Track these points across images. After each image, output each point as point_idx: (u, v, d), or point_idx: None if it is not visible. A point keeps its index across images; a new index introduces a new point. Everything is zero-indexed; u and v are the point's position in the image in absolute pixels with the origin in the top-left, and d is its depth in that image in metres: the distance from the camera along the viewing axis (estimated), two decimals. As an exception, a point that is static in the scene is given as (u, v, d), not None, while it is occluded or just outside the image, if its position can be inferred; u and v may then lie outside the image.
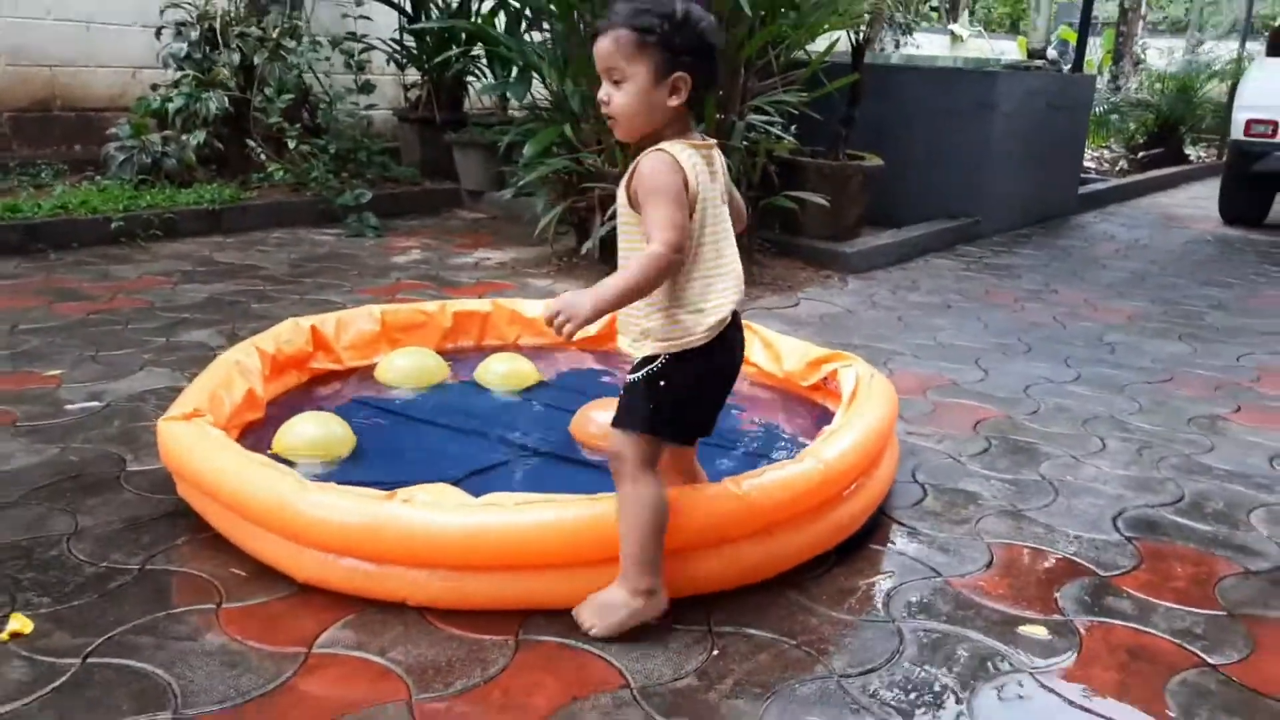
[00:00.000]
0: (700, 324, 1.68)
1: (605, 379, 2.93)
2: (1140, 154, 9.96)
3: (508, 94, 5.16)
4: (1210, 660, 1.70)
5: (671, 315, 1.68)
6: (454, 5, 6.55)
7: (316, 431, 2.22)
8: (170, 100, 5.10)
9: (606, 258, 4.48)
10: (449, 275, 4.38)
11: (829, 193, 4.78)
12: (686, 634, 1.71)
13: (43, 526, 1.97)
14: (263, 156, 5.33)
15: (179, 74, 5.23)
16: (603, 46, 1.64)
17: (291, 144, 5.33)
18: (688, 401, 1.73)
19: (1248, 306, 4.50)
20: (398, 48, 6.58)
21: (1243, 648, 1.75)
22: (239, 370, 2.34)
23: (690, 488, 1.85)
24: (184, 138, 5.17)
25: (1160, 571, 2.02)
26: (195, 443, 1.94)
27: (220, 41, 5.32)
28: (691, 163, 1.65)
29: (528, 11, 5.15)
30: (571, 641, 1.68)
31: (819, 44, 5.01)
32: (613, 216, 4.22)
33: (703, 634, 1.72)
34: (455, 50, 6.42)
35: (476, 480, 2.12)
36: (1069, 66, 7.42)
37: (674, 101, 1.64)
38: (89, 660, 1.56)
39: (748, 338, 2.87)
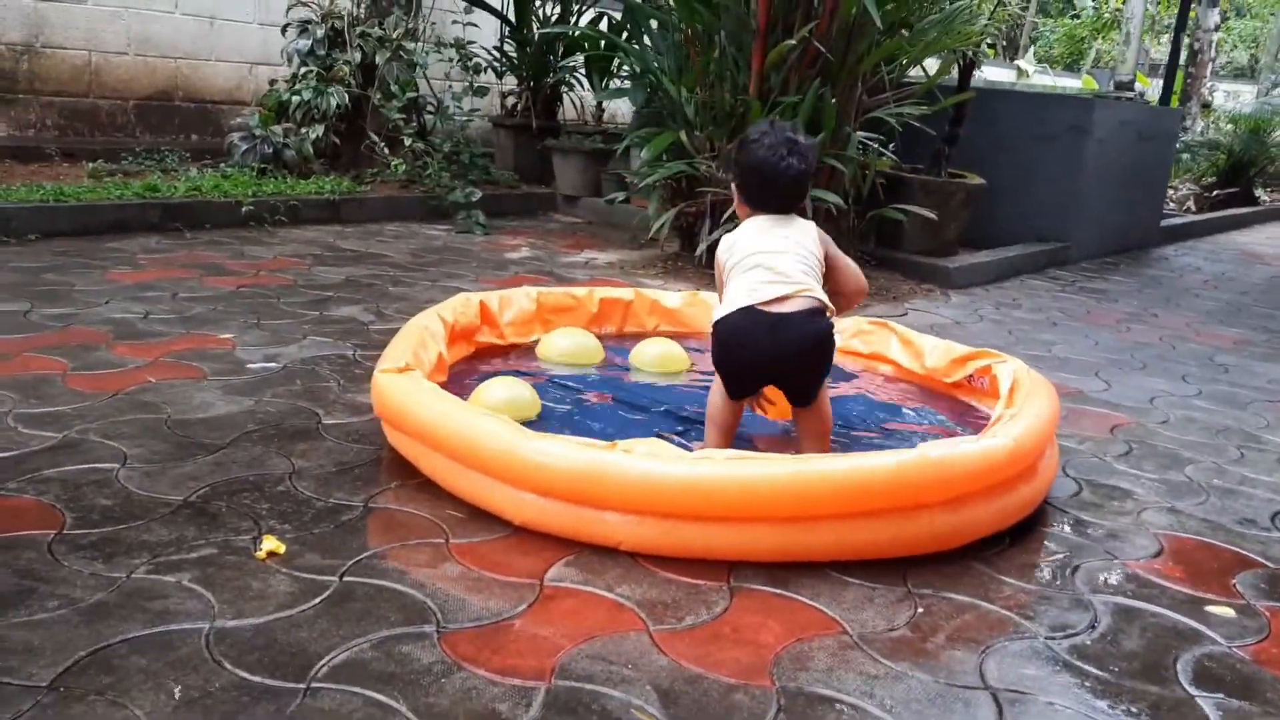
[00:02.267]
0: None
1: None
2: (1214, 192, 9.95)
3: (629, 99, 5.27)
4: (1396, 646, 1.76)
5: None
6: (553, 16, 6.76)
7: (509, 393, 2.34)
8: (296, 94, 5.30)
9: (713, 262, 4.58)
10: (562, 272, 4.52)
11: (932, 208, 4.87)
12: (889, 593, 1.80)
13: (263, 465, 2.10)
14: (385, 152, 5.51)
15: (302, 69, 5.42)
16: None
17: (408, 141, 5.50)
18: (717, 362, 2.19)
19: (1351, 339, 4.52)
20: (499, 56, 6.77)
21: None
22: (430, 334, 2.46)
23: (879, 454, 1.94)
24: (304, 130, 5.37)
25: (1328, 567, 2.08)
26: (415, 393, 2.06)
27: (343, 40, 5.51)
28: (730, 238, 2.25)
29: (630, 23, 5.33)
30: (783, 591, 1.77)
31: (927, 64, 5.12)
32: (725, 221, 4.37)
33: (904, 594, 1.80)
34: (556, 59, 6.63)
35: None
36: (1158, 99, 7.45)
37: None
38: (345, 579, 1.67)
39: (885, 336, 2.98)
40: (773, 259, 2.13)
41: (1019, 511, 2.08)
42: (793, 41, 4.16)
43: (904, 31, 4.66)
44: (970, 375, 2.77)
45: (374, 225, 5.16)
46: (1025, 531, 2.11)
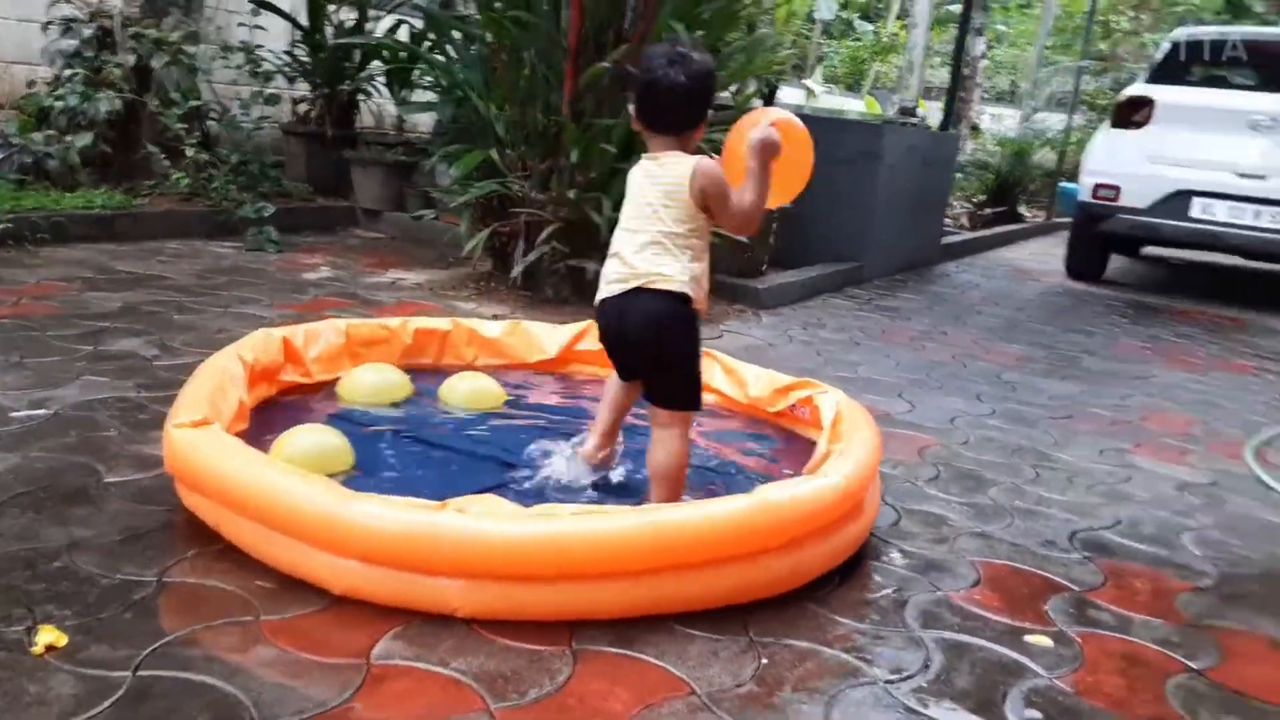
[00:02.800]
0: None
1: (566, 399, 2.95)
2: (984, 211, 10.72)
3: (438, 114, 5.07)
4: (1194, 665, 1.89)
5: None
6: (348, 21, 6.46)
7: (317, 443, 2.16)
8: (60, 99, 4.79)
9: (528, 284, 4.50)
10: (367, 294, 4.29)
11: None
12: (733, 644, 1.77)
13: (36, 537, 1.84)
14: (165, 163, 5.07)
15: (68, 72, 4.91)
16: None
17: (190, 152, 5.09)
18: None
19: (1113, 353, 4.95)
20: (290, 61, 6.40)
21: (1215, 654, 1.95)
22: (228, 378, 2.24)
23: (724, 499, 1.91)
24: (68, 138, 4.87)
25: (1125, 587, 2.22)
26: (216, 451, 1.85)
27: (114, 42, 5.04)
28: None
29: (431, 33, 5.15)
30: (628, 651, 1.70)
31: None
32: (542, 242, 4.28)
33: (747, 644, 1.78)
34: (352, 66, 6.34)
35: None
36: (939, 124, 7.95)
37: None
38: (140, 673, 1.48)
39: (709, 364, 2.98)
40: (627, 240, 2.08)
41: (849, 548, 2.10)
42: (606, 64, 4.12)
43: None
44: (793, 405, 2.81)
45: (153, 243, 4.73)
46: (854, 566, 2.14)
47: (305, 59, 6.39)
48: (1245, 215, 6.59)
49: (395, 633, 1.68)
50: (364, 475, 2.19)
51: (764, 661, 1.73)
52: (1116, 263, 8.48)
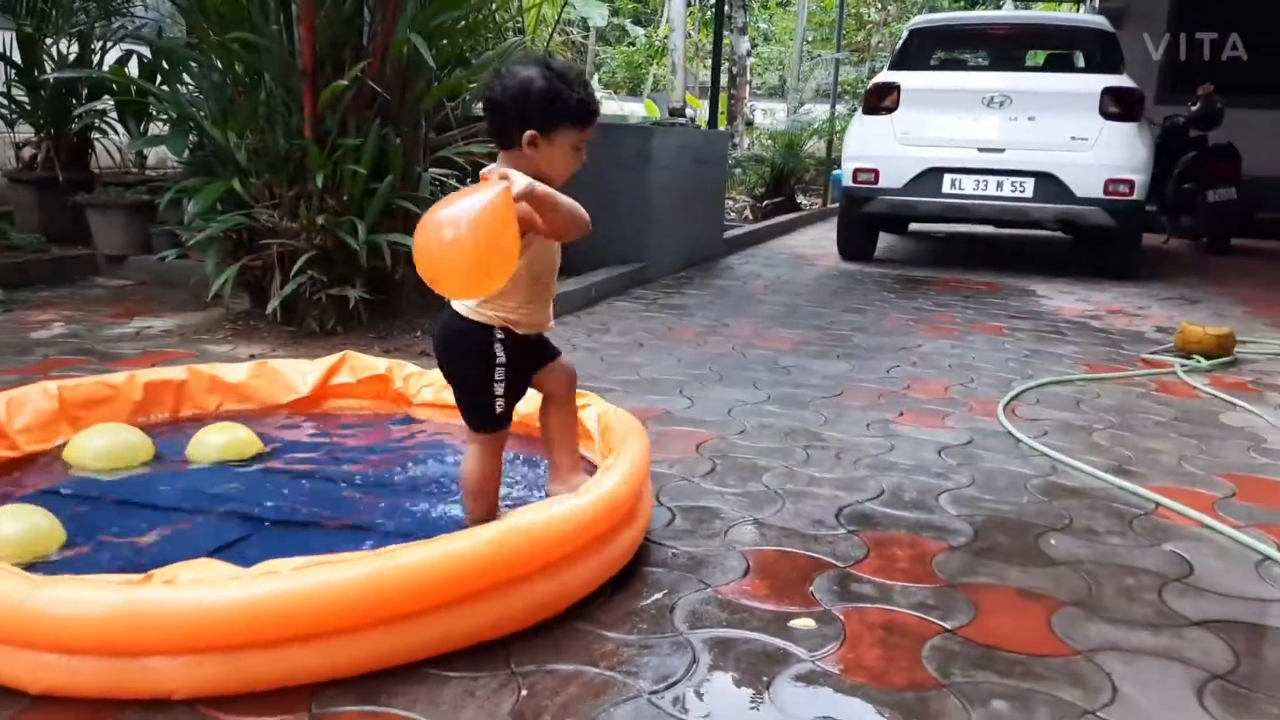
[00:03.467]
0: None
1: (327, 439, 2.78)
2: (765, 203, 11.10)
3: (168, 147, 4.72)
4: (948, 626, 1.94)
5: None
6: (70, 55, 5.97)
7: (17, 527, 1.91)
8: None
9: (289, 318, 4.26)
10: (107, 348, 3.94)
11: (513, 243, 4.87)
12: (491, 680, 1.68)
13: None
14: None
15: None
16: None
17: (-114, 208, 4.54)
18: None
19: (882, 328, 5.17)
20: (7, 103, 5.85)
21: (968, 611, 2.01)
22: (-101, 465, 1.96)
23: (477, 529, 1.82)
24: None
25: (886, 556, 2.27)
26: None
27: None
28: None
29: (164, 63, 4.82)
30: (375, 708, 1.58)
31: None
32: (298, 274, 4.05)
33: (507, 677, 1.69)
34: (80, 105, 5.86)
35: (222, 558, 1.93)
36: (706, 124, 8.15)
37: None
38: None
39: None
40: None
41: (621, 559, 2.05)
42: (344, 82, 3.94)
43: (461, 69, 4.63)
44: (559, 417, 2.73)
45: None
46: (627, 574, 2.09)
47: (24, 99, 5.86)
48: (989, 186, 7.07)
49: (103, 730, 1.49)
50: (83, 555, 1.97)
51: (524, 693, 1.64)
52: (886, 241, 8.95)
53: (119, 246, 5.55)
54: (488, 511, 2.10)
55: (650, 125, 6.93)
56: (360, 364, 3.01)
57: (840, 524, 2.45)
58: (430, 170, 4.46)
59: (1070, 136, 6.90)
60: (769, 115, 16.23)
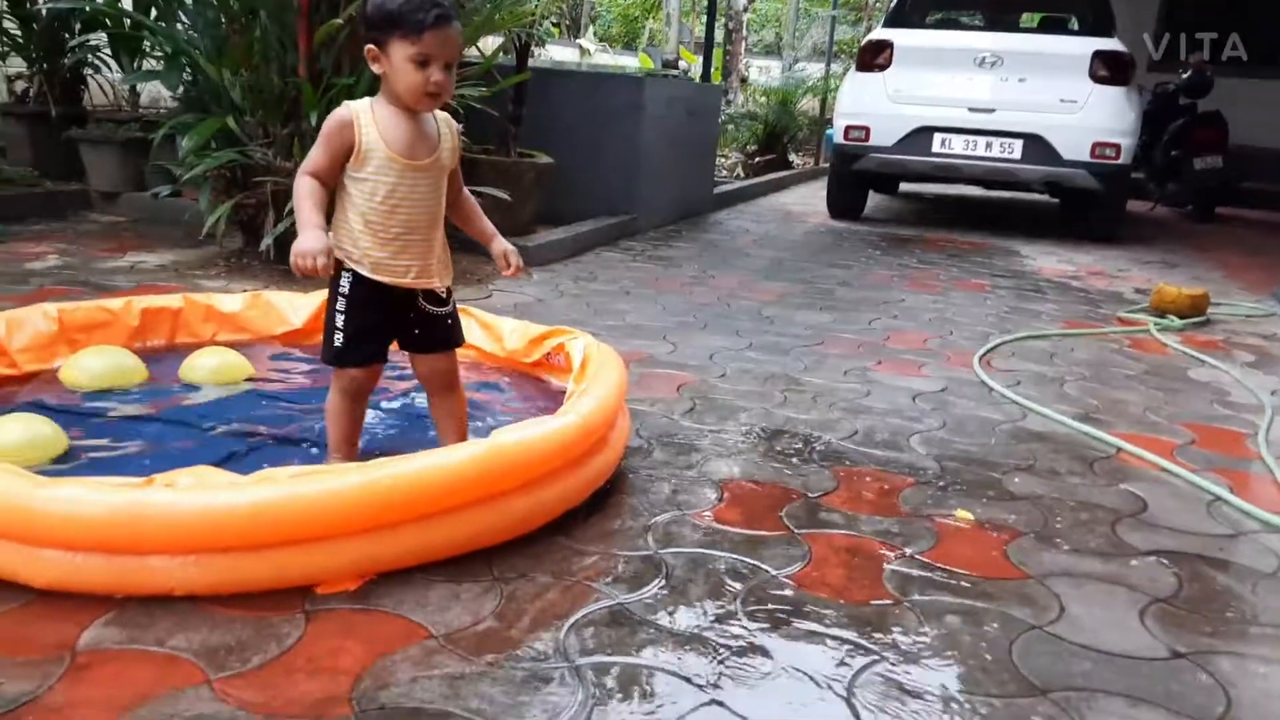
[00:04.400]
0: None
1: (316, 368, 2.86)
2: (756, 160, 11.11)
3: (162, 83, 4.73)
4: (909, 551, 2.05)
5: None
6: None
7: (20, 432, 1.99)
8: None
9: (281, 256, 4.30)
10: (101, 280, 3.99)
11: (504, 189, 4.92)
12: (475, 585, 1.77)
13: None
14: None
15: None
16: (457, 34, 1.91)
17: (-121, 137, 4.56)
18: None
19: (866, 282, 5.25)
20: (-2, 35, 5.83)
21: (930, 539, 2.11)
22: (-95, 375, 2.04)
23: (463, 444, 1.91)
24: None
25: (854, 489, 2.37)
26: (-117, 451, 1.68)
27: None
28: None
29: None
30: (364, 606, 1.68)
31: (485, 46, 5.14)
32: (289, 213, 4.10)
33: (490, 583, 1.79)
34: (73, 39, 5.84)
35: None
36: (699, 77, 8.14)
37: None
38: None
39: (466, 322, 2.97)
40: None
41: (595, 482, 2.14)
42: (339, 20, 3.97)
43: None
44: (548, 354, 2.83)
45: None
46: (604, 499, 2.19)
47: (15, 30, 5.83)
48: (978, 147, 7.12)
49: (106, 620, 1.58)
50: (82, 464, 2.05)
51: (504, 598, 1.74)
52: (876, 201, 9.01)
53: (112, 183, 5.57)
54: (338, 445, 2.09)
55: (642, 75, 6.94)
56: (351, 298, 3.07)
57: (813, 460, 2.55)
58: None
59: (1059, 99, 6.95)
60: (764, 73, 16.14)
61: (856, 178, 7.74)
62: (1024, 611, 1.82)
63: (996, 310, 4.70)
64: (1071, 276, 5.88)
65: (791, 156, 12.52)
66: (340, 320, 2.02)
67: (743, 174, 10.94)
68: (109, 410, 2.36)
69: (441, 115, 2.05)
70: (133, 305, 2.81)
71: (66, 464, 2.03)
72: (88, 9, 5.39)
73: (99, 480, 1.65)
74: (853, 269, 5.67)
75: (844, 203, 8.02)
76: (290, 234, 4.20)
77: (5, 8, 5.80)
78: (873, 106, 7.31)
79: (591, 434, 2.07)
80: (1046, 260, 6.47)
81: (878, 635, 1.71)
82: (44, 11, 5.63)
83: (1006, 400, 3.18)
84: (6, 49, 5.89)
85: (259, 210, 4.33)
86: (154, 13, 5.18)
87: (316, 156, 1.94)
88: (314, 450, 2.23)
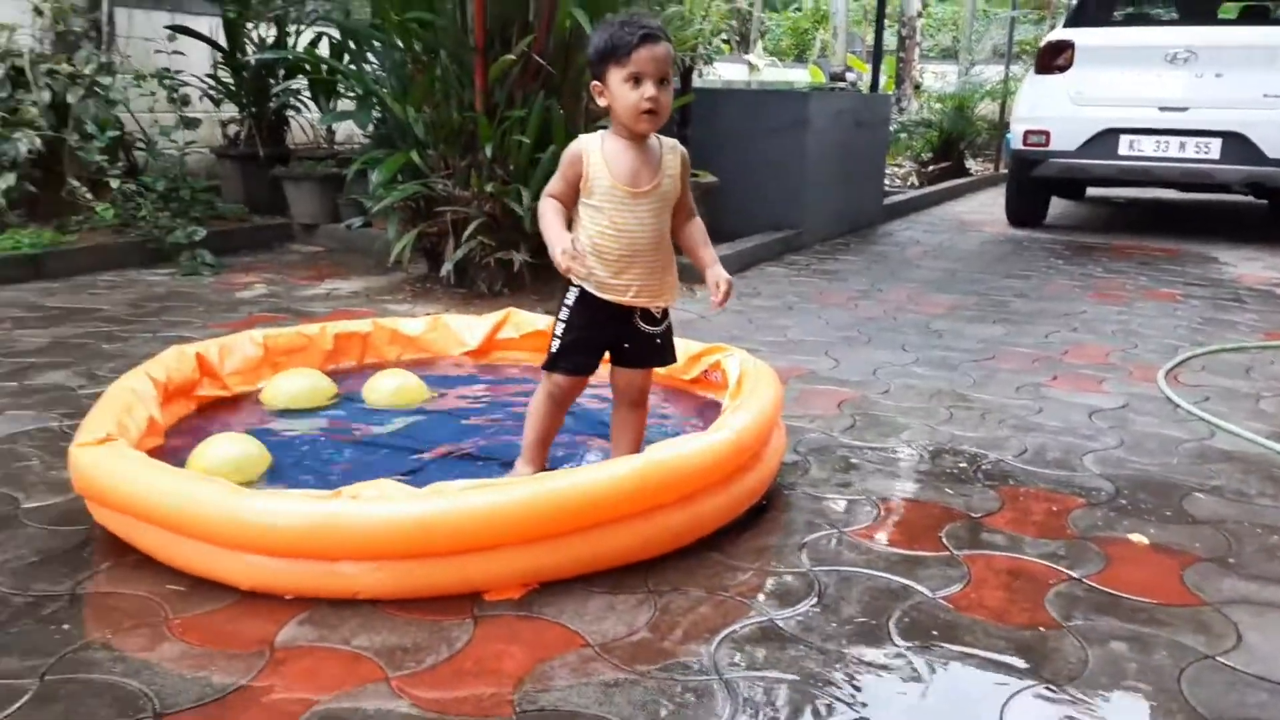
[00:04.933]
0: None
1: (490, 387, 3.02)
2: (930, 168, 10.84)
3: (354, 122, 5.11)
4: (1075, 574, 1.99)
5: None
6: (269, 40, 6.48)
7: (231, 452, 2.21)
8: (-22, 141, 4.80)
9: (460, 280, 4.56)
10: (301, 306, 4.34)
11: (669, 209, 5.02)
12: (631, 597, 1.85)
13: (-51, 566, 1.89)
14: (87, 197, 5.08)
15: (-17, 114, 4.92)
16: (664, 51, 2.01)
17: (114, 184, 5.11)
18: None
19: (1045, 294, 5.05)
20: (214, 84, 6.42)
21: (1098, 562, 2.04)
22: (137, 397, 2.30)
23: (620, 459, 1.99)
24: (-7, 180, 4.88)
25: (1020, 510, 2.31)
26: (118, 465, 1.91)
27: (27, 80, 5.05)
28: None
29: (350, 43, 5.20)
30: (528, 613, 1.78)
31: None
32: (468, 239, 4.34)
33: (645, 596, 1.86)
34: (277, 84, 6.36)
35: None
36: (867, 88, 8.04)
37: None
38: (47, 679, 1.54)
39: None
40: None
41: (749, 498, 2.18)
42: (512, 56, 4.18)
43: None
44: (705, 370, 2.89)
45: (85, 277, 4.76)
46: (759, 515, 2.22)
47: (229, 80, 6.41)
48: (1171, 148, 6.71)
49: (301, 619, 1.74)
50: (282, 478, 2.26)
51: (658, 610, 1.80)
52: (1060, 207, 8.61)
53: (311, 215, 6.04)
54: (529, 446, 2.22)
55: (807, 90, 6.92)
56: (523, 320, 3.24)
57: (977, 479, 2.50)
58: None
59: (1263, 94, 6.45)
60: (940, 78, 15.71)
61: (1036, 184, 7.43)
62: (1196, 639, 1.73)
63: (1188, 321, 4.43)
64: (1276, 284, 5.46)
65: (969, 163, 12.12)
66: (560, 329, 2.19)
67: (916, 183, 10.69)
68: (302, 429, 2.58)
69: (669, 143, 2.17)
70: (327, 330, 3.05)
71: (268, 479, 2.24)
72: (290, 58, 5.86)
73: (294, 492, 1.83)
74: (1031, 279, 5.46)
75: (1023, 210, 7.71)
76: (467, 260, 4.44)
77: (220, 59, 6.39)
78: (1053, 109, 7.01)
79: (745, 450, 2.11)
80: (1249, 267, 6.02)
81: (1035, 660, 1.67)
82: (253, 62, 6.16)
83: (1193, 417, 3.01)
84: (221, 96, 6.48)
85: (440, 238, 4.60)
86: (346, 57, 5.60)
87: (555, 182, 2.13)
88: (484, 464, 2.36)
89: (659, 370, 2.99)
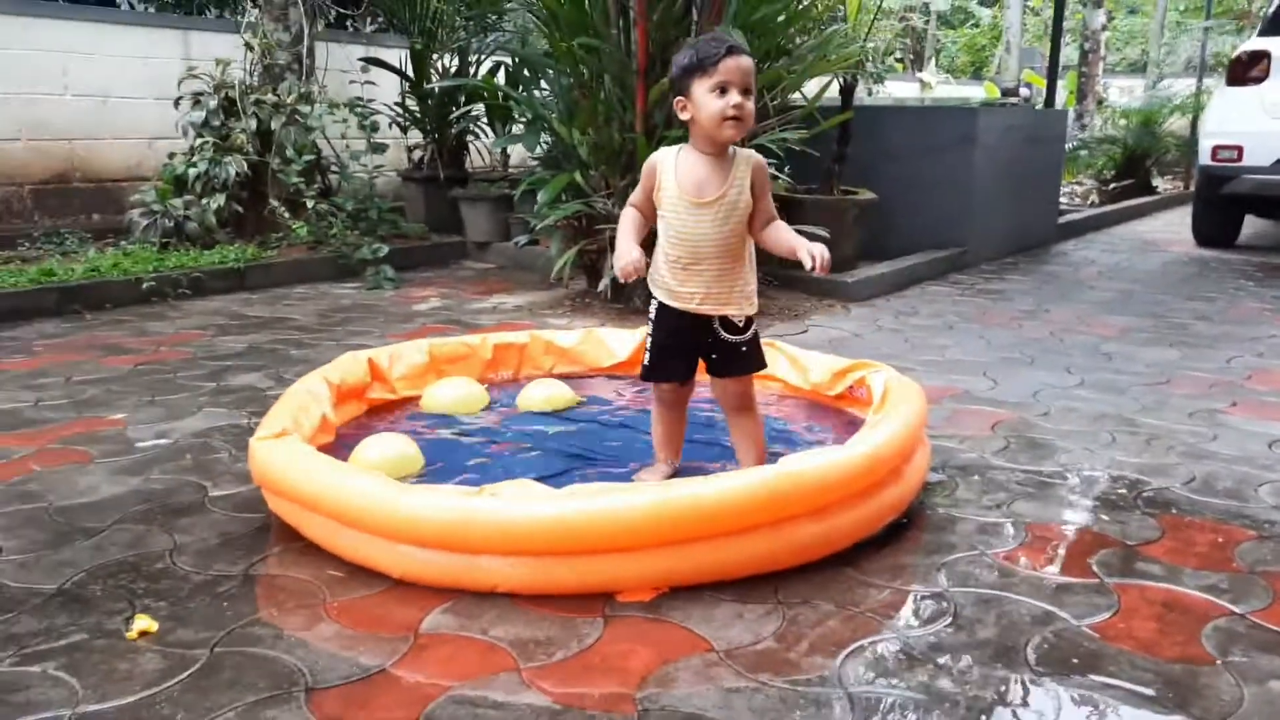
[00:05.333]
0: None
1: (635, 397, 3.09)
2: (1112, 186, 10.30)
3: (523, 145, 5.35)
4: (1237, 609, 1.87)
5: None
6: (452, 70, 6.85)
7: (389, 451, 2.37)
8: (192, 166, 5.30)
9: (617, 296, 4.68)
10: (470, 319, 4.56)
11: (826, 226, 4.99)
12: (759, 607, 1.86)
13: (144, 545, 2.10)
14: (285, 216, 5.52)
15: (199, 141, 5.43)
16: (748, 64, 2.09)
17: (309, 204, 5.52)
18: None
19: (1230, 316, 4.73)
20: (401, 112, 6.83)
21: (1265, 597, 1.91)
22: (312, 397, 2.49)
23: (751, 469, 2.02)
24: (204, 201, 5.37)
25: (1182, 540, 2.18)
26: (290, 457, 2.08)
27: (238, 109, 5.53)
28: None
29: (525, 71, 5.44)
30: (657, 616, 1.83)
31: (808, 87, 5.27)
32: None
33: (773, 607, 1.87)
34: (457, 111, 6.71)
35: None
36: (1041, 103, 7.74)
37: None
38: (216, 650, 1.69)
39: (773, 355, 3.09)
40: None
41: (887, 514, 2.16)
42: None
43: (783, 59, 4.82)
44: (850, 386, 2.87)
45: (281, 290, 5.16)
46: (897, 532, 2.20)
47: (414, 108, 6.81)
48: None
49: (444, 608, 1.85)
50: (434, 477, 2.39)
51: (785, 621, 1.81)
52: (1255, 226, 8.02)
53: (484, 234, 6.33)
54: (658, 448, 2.39)
55: (975, 106, 6.73)
56: (672, 334, 3.30)
57: (1137, 506, 2.38)
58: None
59: None
60: (1127, 93, 14.91)
61: (1226, 201, 6.96)
62: (1373, 687, 1.60)
63: (1399, 348, 4.05)
64: None
65: (1155, 181, 11.45)
66: (649, 341, 2.32)
67: (1096, 201, 10.18)
68: (457, 432, 2.72)
69: (744, 154, 2.21)
70: (487, 341, 3.21)
71: (422, 477, 2.38)
72: (468, 85, 6.18)
73: (440, 488, 1.94)
74: (1215, 302, 5.12)
75: (1211, 229, 7.23)
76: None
77: (406, 88, 6.80)
78: (1246, 124, 6.56)
79: (882, 465, 2.09)
80: None
81: (1184, 695, 1.59)
82: (437, 90, 6.52)
83: (1394, 451, 2.76)
84: (407, 124, 6.90)
85: (599, 255, 4.73)
86: (520, 85, 5.86)
87: (636, 193, 2.28)
88: (623, 470, 2.43)
89: (802, 385, 3.02)
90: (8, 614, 1.81)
